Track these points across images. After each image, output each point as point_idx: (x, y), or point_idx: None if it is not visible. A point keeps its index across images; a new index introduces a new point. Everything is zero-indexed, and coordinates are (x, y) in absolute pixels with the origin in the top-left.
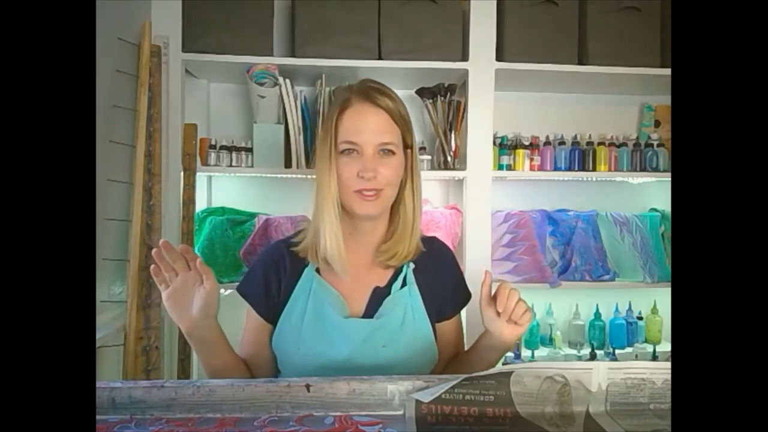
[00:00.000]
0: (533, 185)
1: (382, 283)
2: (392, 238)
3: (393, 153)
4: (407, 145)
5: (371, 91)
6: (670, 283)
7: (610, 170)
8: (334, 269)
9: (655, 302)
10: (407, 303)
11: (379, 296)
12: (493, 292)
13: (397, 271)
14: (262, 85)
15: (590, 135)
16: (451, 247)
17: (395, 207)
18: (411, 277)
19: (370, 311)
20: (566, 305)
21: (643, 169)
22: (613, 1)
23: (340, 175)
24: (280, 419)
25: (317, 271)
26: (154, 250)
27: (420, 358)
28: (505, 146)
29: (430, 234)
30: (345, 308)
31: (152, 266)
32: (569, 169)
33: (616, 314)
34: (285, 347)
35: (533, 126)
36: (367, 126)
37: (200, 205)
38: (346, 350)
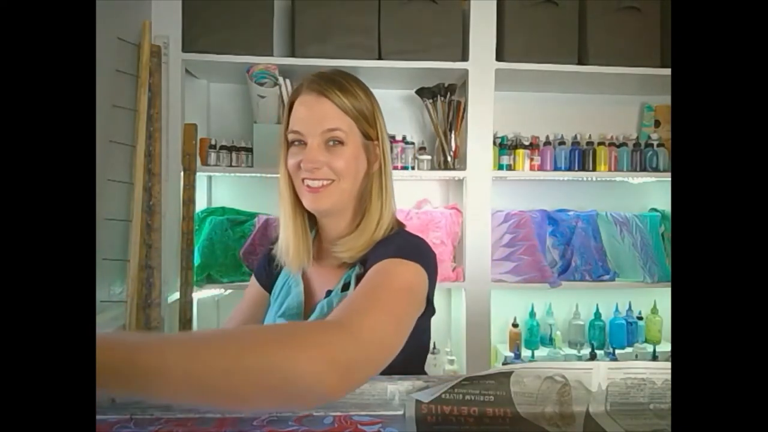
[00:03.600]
0: (533, 185)
1: (332, 285)
2: (352, 233)
3: (342, 143)
4: (369, 137)
5: (320, 81)
6: (670, 283)
7: (610, 170)
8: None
9: (655, 302)
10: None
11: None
12: None
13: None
14: (262, 85)
15: (590, 135)
16: (449, 246)
17: (361, 201)
18: (355, 280)
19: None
20: (566, 305)
21: (643, 169)
22: (613, 1)
23: (289, 168)
24: (279, 419)
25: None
26: None
27: (408, 348)
28: (505, 146)
29: (431, 233)
30: (298, 307)
31: None
32: (569, 169)
33: (616, 314)
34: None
35: (533, 126)
36: (311, 115)
37: (200, 205)
38: None
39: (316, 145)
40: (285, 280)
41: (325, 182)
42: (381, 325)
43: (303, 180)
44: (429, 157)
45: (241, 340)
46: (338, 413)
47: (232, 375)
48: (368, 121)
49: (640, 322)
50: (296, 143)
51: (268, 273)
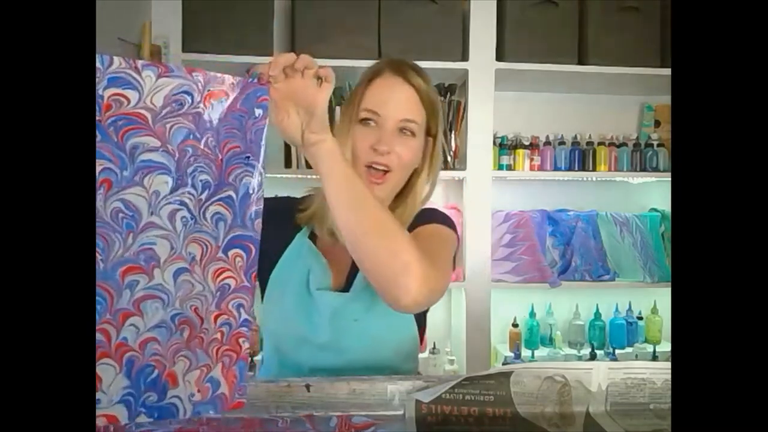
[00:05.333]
0: (533, 185)
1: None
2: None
3: (413, 134)
4: (430, 132)
5: (405, 66)
6: (670, 283)
7: (610, 170)
8: (338, 240)
9: (655, 302)
10: None
11: (357, 268)
12: None
13: None
14: None
15: (590, 135)
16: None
17: (403, 194)
18: None
19: (348, 285)
20: (566, 305)
21: (643, 169)
22: (613, 1)
23: (354, 146)
24: (297, 420)
25: (310, 237)
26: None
27: (397, 333)
28: (505, 146)
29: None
30: (328, 279)
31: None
32: (569, 169)
33: (616, 314)
34: (267, 307)
35: (533, 126)
36: (393, 99)
37: None
38: (316, 324)
39: (391, 129)
40: (299, 251)
41: (387, 170)
42: (447, 273)
43: (366, 165)
44: None
45: (391, 226)
46: (338, 413)
47: (369, 233)
48: (435, 118)
49: (640, 322)
50: (365, 121)
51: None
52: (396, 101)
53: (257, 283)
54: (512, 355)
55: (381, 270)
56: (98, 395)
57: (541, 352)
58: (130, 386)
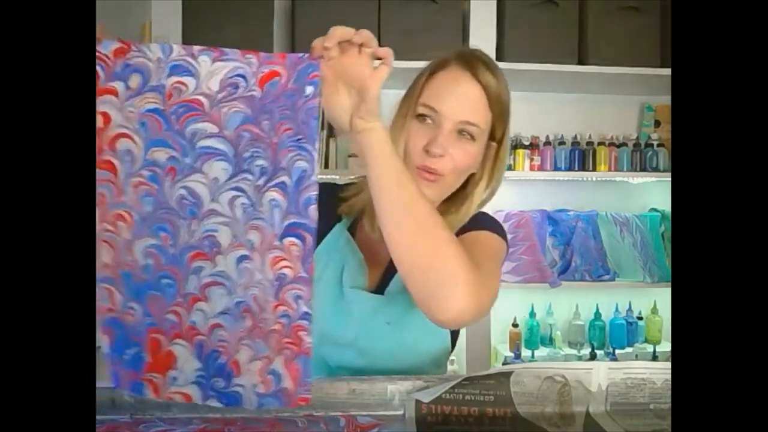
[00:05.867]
0: (533, 185)
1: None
2: None
3: (473, 138)
4: (494, 137)
5: (475, 60)
6: (670, 283)
7: (610, 170)
8: (381, 237)
9: (655, 302)
10: None
11: (394, 269)
12: None
13: None
14: None
15: (590, 135)
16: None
17: (456, 199)
18: None
19: (383, 286)
20: (566, 305)
21: (643, 169)
22: (613, 1)
23: (407, 143)
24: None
25: (349, 230)
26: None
27: (430, 343)
28: None
29: None
30: (363, 278)
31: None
32: (569, 169)
33: (616, 314)
34: None
35: (533, 126)
36: (455, 96)
37: None
38: (346, 324)
39: (449, 130)
40: (335, 243)
41: (440, 174)
42: (495, 289)
43: (417, 167)
44: None
45: (441, 232)
46: (339, 413)
47: (415, 237)
48: (503, 121)
49: (640, 322)
50: (426, 119)
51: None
52: (458, 99)
53: (313, 275)
54: (512, 355)
55: (423, 278)
56: (174, 373)
57: (541, 352)
58: (201, 369)
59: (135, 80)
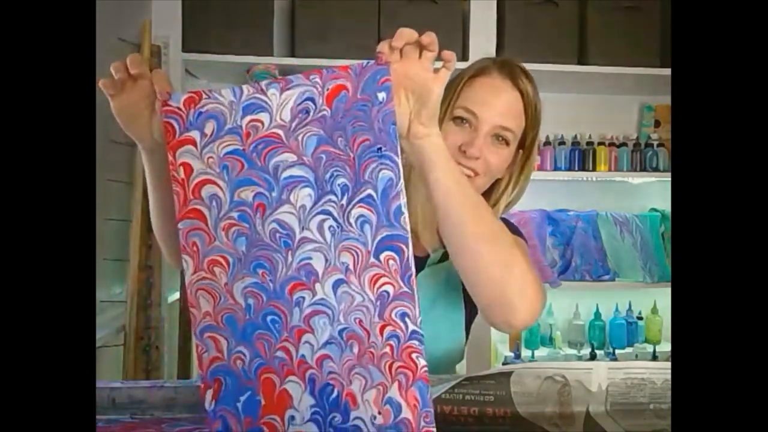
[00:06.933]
0: (533, 185)
1: (422, 252)
2: None
3: (507, 143)
4: (524, 143)
5: (515, 69)
6: (670, 283)
7: (610, 170)
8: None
9: (655, 302)
10: (443, 276)
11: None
12: None
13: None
14: None
15: (590, 135)
16: None
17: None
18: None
19: None
20: (566, 305)
21: (643, 169)
22: (613, 0)
23: (447, 146)
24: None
25: None
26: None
27: (444, 345)
28: None
29: None
30: None
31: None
32: (569, 169)
33: (616, 314)
34: None
35: None
36: (496, 102)
37: None
38: None
39: (485, 133)
40: None
41: (470, 174)
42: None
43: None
44: None
45: (505, 236)
46: None
47: (484, 241)
48: (534, 128)
49: (640, 322)
50: (458, 120)
51: None
52: (499, 105)
53: (417, 287)
54: (512, 354)
55: (500, 286)
56: (291, 412)
57: (541, 352)
58: (316, 405)
59: (210, 126)
